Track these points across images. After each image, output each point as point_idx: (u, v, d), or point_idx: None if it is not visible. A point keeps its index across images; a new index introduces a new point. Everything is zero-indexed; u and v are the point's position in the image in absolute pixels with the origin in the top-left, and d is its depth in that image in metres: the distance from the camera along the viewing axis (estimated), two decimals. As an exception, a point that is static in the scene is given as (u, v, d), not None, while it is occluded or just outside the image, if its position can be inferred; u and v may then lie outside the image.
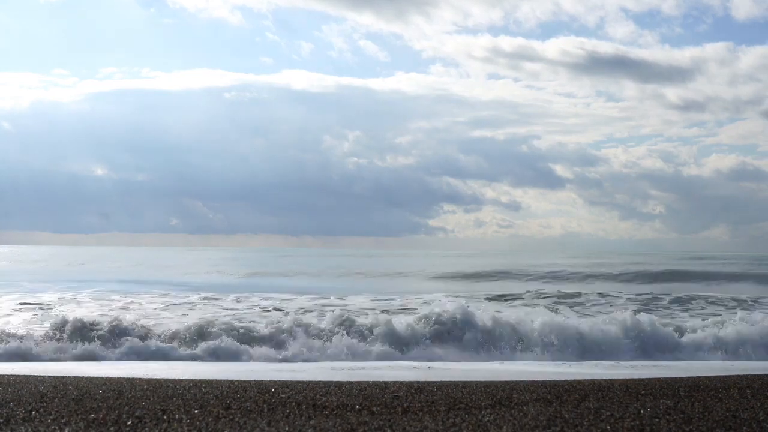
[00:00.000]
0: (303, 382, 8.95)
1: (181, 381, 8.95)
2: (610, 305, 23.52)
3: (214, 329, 14.56)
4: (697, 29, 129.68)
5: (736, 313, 17.35)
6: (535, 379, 9.57)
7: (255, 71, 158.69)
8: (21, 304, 22.45)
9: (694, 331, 15.78)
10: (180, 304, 22.70)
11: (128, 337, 14.13)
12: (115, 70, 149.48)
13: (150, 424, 5.91)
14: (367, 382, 9.13)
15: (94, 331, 14.35)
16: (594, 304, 24.27)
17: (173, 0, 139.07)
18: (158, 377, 9.72)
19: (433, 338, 14.78)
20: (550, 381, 9.22)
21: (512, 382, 9.13)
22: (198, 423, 5.99)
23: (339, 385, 8.55)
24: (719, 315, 19.30)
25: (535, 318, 15.39)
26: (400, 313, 19.63)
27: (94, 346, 13.67)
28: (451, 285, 39.59)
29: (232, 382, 8.95)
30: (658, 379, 9.40)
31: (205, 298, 24.60)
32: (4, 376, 9.42)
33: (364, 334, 14.72)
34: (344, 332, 14.56)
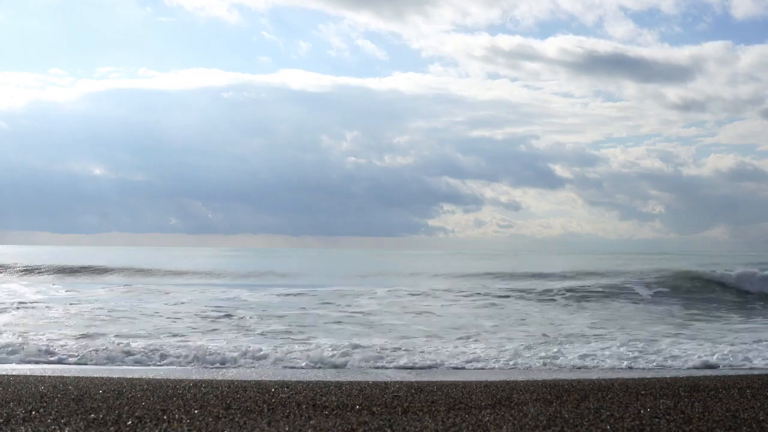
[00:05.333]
0: (303, 382, 8.95)
1: (181, 381, 8.95)
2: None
3: None
4: (697, 28, 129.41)
5: None
6: (535, 379, 9.57)
7: (252, 71, 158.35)
8: None
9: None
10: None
11: None
12: (112, 70, 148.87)
13: (150, 424, 5.91)
14: (367, 382, 9.13)
15: None
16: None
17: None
18: (158, 377, 9.72)
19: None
20: (550, 381, 9.22)
21: (512, 382, 9.13)
22: (198, 423, 5.99)
23: (339, 385, 8.55)
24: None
25: None
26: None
27: None
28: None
29: (232, 382, 8.95)
30: (658, 379, 9.40)
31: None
32: (4, 376, 9.42)
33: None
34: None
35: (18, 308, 19.68)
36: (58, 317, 17.69)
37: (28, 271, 40.42)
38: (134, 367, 11.37)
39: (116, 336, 14.24)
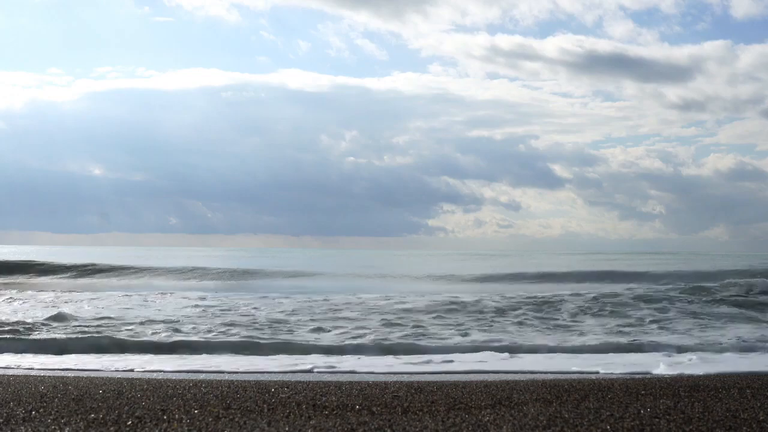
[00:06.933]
0: (303, 382, 8.95)
1: (181, 381, 8.95)
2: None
3: None
4: (696, 28, 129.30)
5: None
6: (535, 379, 9.57)
7: (251, 70, 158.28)
8: None
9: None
10: None
11: None
12: (110, 69, 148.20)
13: (150, 424, 5.91)
14: (367, 382, 9.14)
15: None
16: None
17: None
18: (158, 377, 9.73)
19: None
20: (550, 381, 9.22)
21: (512, 382, 9.13)
22: (198, 423, 5.99)
23: (339, 385, 8.55)
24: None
25: None
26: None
27: None
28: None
29: (232, 382, 8.96)
30: (658, 379, 9.41)
31: None
32: (4, 376, 9.42)
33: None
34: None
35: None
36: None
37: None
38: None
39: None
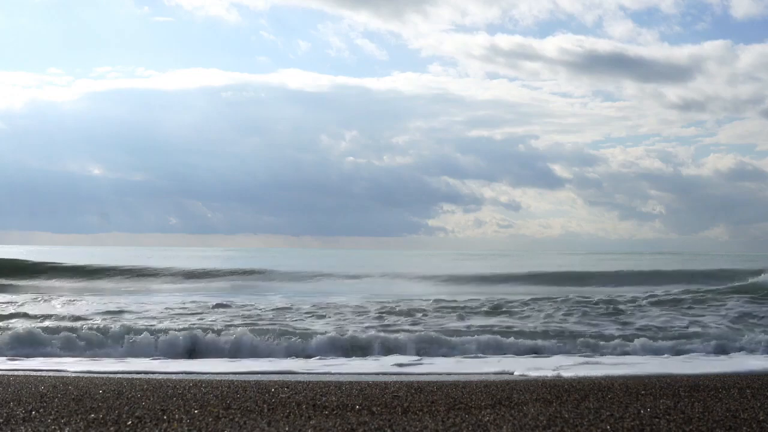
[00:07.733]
0: (303, 383, 8.95)
1: (181, 381, 8.96)
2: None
3: None
4: (696, 27, 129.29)
5: None
6: (536, 379, 9.58)
7: (251, 70, 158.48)
8: None
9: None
10: None
11: None
12: (110, 69, 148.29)
13: (150, 424, 5.92)
14: (367, 382, 9.14)
15: None
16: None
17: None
18: (158, 377, 9.73)
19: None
20: (550, 381, 9.23)
21: (512, 382, 9.14)
22: (198, 423, 5.99)
23: (339, 385, 8.56)
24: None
25: None
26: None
27: None
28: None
29: (232, 382, 8.96)
30: (658, 379, 9.41)
31: None
32: (4, 376, 9.43)
33: None
34: None
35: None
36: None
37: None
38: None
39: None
